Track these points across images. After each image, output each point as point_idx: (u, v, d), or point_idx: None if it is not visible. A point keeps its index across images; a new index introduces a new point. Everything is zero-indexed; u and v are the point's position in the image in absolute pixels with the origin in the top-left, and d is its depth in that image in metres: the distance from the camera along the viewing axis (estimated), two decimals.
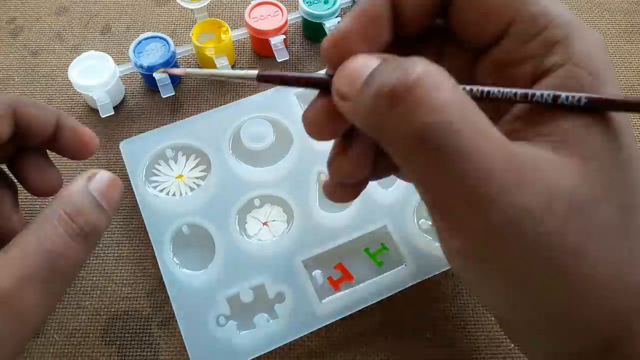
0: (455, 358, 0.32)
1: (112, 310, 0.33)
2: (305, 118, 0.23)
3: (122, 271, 0.35)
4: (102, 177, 0.29)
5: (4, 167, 0.34)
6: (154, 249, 0.33)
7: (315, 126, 0.23)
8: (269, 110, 0.39)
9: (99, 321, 0.32)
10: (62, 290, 0.26)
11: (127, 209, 0.37)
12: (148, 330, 0.32)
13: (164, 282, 0.33)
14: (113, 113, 0.39)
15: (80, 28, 0.45)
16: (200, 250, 0.34)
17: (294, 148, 0.37)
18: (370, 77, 0.19)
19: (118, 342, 0.32)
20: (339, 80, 0.21)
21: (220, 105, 0.41)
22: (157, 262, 0.33)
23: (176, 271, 0.33)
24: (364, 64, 0.20)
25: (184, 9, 0.43)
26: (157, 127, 0.40)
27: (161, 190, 0.36)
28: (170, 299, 0.32)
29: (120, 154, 0.37)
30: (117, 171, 0.38)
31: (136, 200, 0.35)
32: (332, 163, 0.25)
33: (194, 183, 0.36)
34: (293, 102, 0.39)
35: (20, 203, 0.32)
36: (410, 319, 0.33)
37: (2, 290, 0.23)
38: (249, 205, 0.36)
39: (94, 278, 0.34)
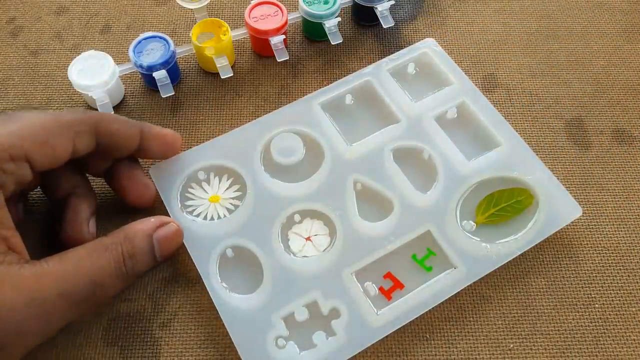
0: (455, 358, 0.32)
1: (114, 311, 0.33)
2: None
3: None
4: (169, 229, 0.32)
5: (90, 178, 0.36)
6: (202, 277, 0.32)
7: None
8: (294, 124, 0.38)
9: (101, 322, 0.32)
10: (84, 314, 0.29)
11: None
12: (149, 331, 0.32)
13: (164, 281, 0.34)
14: (112, 113, 0.39)
15: (80, 28, 0.45)
16: (247, 272, 0.33)
17: (326, 159, 0.37)
18: None
19: (120, 343, 0.32)
20: None
21: (220, 104, 0.41)
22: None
23: (227, 297, 0.32)
24: None
25: (184, 8, 0.43)
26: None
27: (198, 215, 0.35)
28: (226, 325, 0.31)
29: None
30: None
31: None
32: None
33: (231, 204, 0.36)
34: (318, 112, 0.39)
35: None
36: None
37: (42, 298, 0.26)
38: (289, 222, 0.35)
39: None
